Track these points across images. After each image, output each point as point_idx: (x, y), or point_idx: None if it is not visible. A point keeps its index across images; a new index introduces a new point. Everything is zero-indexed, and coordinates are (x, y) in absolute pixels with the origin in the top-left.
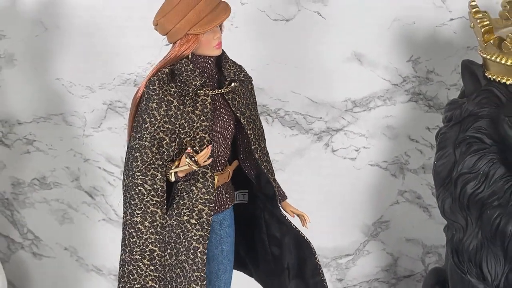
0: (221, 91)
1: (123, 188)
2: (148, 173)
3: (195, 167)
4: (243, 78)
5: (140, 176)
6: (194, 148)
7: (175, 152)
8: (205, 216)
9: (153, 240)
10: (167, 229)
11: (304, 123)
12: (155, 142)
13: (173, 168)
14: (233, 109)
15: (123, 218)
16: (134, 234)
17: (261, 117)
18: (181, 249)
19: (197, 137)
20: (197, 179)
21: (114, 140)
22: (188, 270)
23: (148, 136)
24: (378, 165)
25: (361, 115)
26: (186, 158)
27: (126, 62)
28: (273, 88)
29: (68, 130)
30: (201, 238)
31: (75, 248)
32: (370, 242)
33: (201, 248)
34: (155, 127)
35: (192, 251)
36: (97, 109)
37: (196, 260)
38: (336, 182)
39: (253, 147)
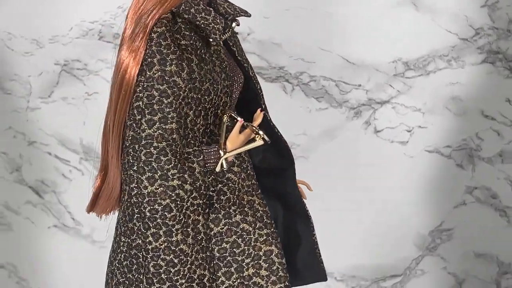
0: (226, 35)
1: (138, 203)
2: (185, 168)
3: (267, 141)
4: (243, 15)
5: (177, 175)
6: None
7: (201, 131)
8: (260, 208)
9: (200, 262)
10: (214, 240)
11: (336, 92)
12: (182, 121)
13: (231, 150)
14: (239, 58)
15: (143, 245)
16: (176, 260)
17: (277, 84)
18: (246, 261)
19: (221, 103)
20: (232, 161)
21: (71, 115)
22: (265, 286)
23: (175, 114)
24: (439, 152)
25: (416, 81)
26: (257, 131)
27: (88, 6)
28: (293, 44)
29: (5, 101)
30: (270, 238)
31: (15, 265)
32: (426, 259)
33: (276, 250)
34: (180, 100)
35: (264, 257)
36: (46, 71)
37: (274, 268)
38: (379, 175)
39: (264, 105)
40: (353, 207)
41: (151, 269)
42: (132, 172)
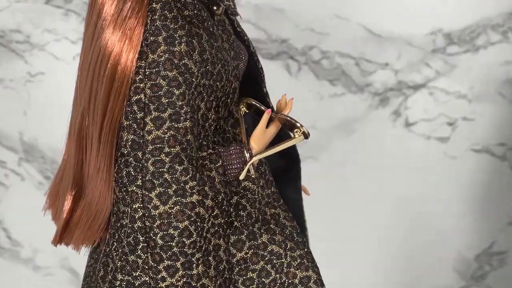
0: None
1: (144, 228)
2: (205, 178)
3: (308, 136)
4: None
5: (197, 188)
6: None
7: (212, 128)
8: (287, 223)
9: None
10: (236, 269)
11: (356, 73)
12: (195, 117)
13: (260, 151)
14: (239, 29)
15: (152, 283)
16: None
17: (279, 63)
18: None
19: (231, 90)
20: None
21: (8, 102)
22: None
23: (188, 109)
24: (489, 151)
25: (461, 59)
26: (294, 122)
27: None
28: (300, 10)
29: None
30: (305, 260)
31: None
32: None
33: (314, 276)
34: (192, 89)
35: (301, 285)
36: None
37: None
38: (410, 180)
39: (265, 90)
40: (376, 221)
41: None
42: (134, 188)
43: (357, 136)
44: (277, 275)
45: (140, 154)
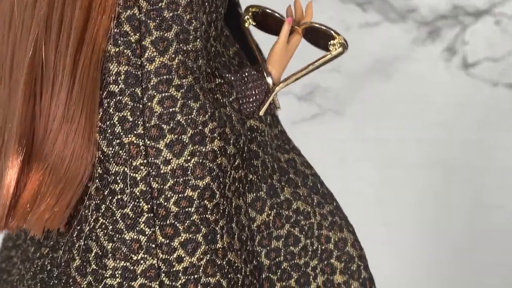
0: None
1: (154, 191)
2: (223, 116)
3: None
4: None
5: (218, 130)
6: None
7: (213, 48)
8: (306, 171)
9: (251, 279)
10: (258, 238)
11: None
12: (203, 34)
13: (288, 76)
14: None
15: None
16: None
17: None
18: (311, 264)
19: None
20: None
21: None
22: None
23: (198, 24)
24: None
25: None
26: (327, 31)
27: None
28: None
29: None
30: (337, 217)
31: None
32: None
33: (351, 237)
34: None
35: (336, 252)
36: None
37: (354, 269)
38: (469, 145)
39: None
40: (420, 195)
41: None
42: (134, 138)
43: (396, 82)
44: (308, 241)
45: (139, 91)
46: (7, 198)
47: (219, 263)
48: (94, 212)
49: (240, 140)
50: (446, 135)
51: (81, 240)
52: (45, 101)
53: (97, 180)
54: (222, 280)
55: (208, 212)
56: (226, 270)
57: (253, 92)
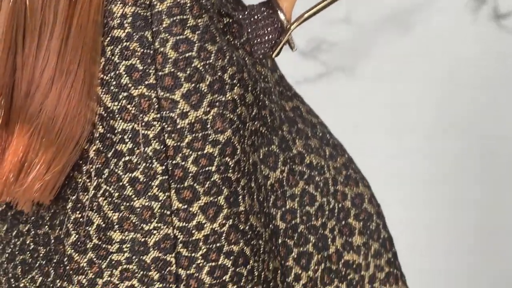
0: None
1: (169, 149)
2: (240, 60)
3: None
4: None
5: (237, 76)
6: None
7: None
8: (313, 119)
9: (269, 245)
10: (272, 198)
11: None
12: None
13: (303, 13)
14: None
15: None
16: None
17: None
18: (328, 225)
19: None
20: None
21: None
22: (368, 273)
23: None
24: None
25: None
26: None
27: None
28: None
29: None
30: (351, 170)
31: None
32: None
33: (367, 192)
34: None
35: (354, 211)
36: None
37: (373, 228)
38: (500, 116)
39: None
40: (441, 167)
41: None
42: (144, 89)
43: (415, 35)
44: (324, 199)
45: (149, 34)
46: None
47: (241, 228)
48: (95, 178)
49: (256, 87)
50: (472, 98)
51: (78, 212)
52: (29, 52)
53: (97, 141)
54: (245, 247)
55: (230, 171)
56: (249, 236)
57: (265, 32)
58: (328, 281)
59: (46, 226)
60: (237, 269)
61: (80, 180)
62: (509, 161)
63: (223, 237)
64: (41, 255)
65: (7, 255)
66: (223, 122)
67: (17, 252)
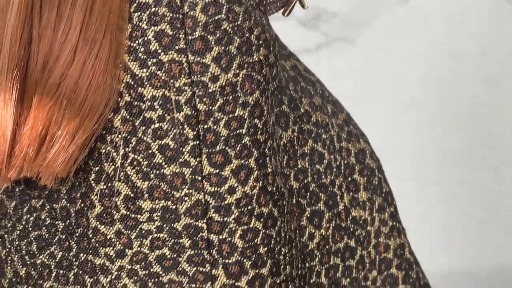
0: None
1: (200, 113)
2: (263, 21)
3: None
4: None
5: (262, 36)
6: None
7: None
8: (311, 77)
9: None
10: (286, 158)
11: None
12: None
13: None
14: None
15: None
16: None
17: None
18: (336, 182)
19: None
20: None
21: None
22: (380, 230)
23: None
24: None
25: None
26: None
27: None
28: None
29: None
30: (351, 127)
31: None
32: None
33: (369, 148)
34: None
35: (358, 166)
36: None
37: (377, 184)
38: None
39: None
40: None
41: None
42: (175, 54)
43: (416, 5)
44: (331, 156)
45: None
46: (0, 144)
47: (270, 190)
48: (121, 147)
49: (276, 45)
50: (476, 67)
51: (103, 183)
52: (47, 23)
53: (123, 110)
54: (274, 209)
55: (259, 132)
56: (276, 197)
57: None
58: (338, 239)
59: (64, 200)
60: (267, 231)
61: (103, 150)
62: None
63: (254, 200)
64: (59, 229)
65: (18, 232)
66: (251, 83)
67: (30, 228)
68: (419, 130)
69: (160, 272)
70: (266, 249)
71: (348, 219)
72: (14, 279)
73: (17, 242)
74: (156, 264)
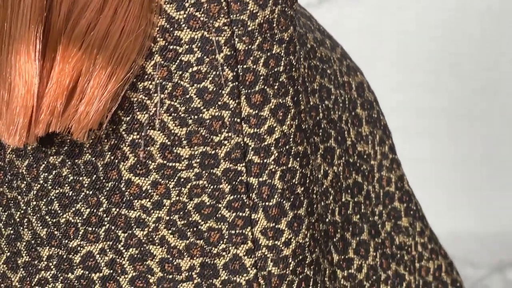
0: None
1: (238, 48)
2: None
3: None
4: None
5: None
6: None
7: None
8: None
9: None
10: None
11: None
12: None
13: None
14: None
15: None
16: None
17: None
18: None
19: None
20: None
21: None
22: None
23: None
24: None
25: None
26: None
27: None
28: None
29: None
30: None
31: None
32: None
33: (373, 98)
34: None
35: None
36: None
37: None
38: None
39: None
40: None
41: None
42: None
43: None
44: (337, 91)
45: None
46: (27, 100)
47: (303, 127)
48: (155, 94)
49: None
50: (482, 29)
51: (135, 133)
52: None
53: (156, 56)
54: (307, 146)
55: (293, 69)
56: (308, 134)
57: None
58: (348, 174)
59: (88, 154)
60: (303, 170)
61: (135, 99)
62: None
63: (291, 139)
64: (85, 185)
65: (35, 192)
66: (285, 19)
67: (50, 187)
68: (425, 85)
69: (199, 221)
70: (302, 188)
71: (354, 154)
72: (33, 241)
73: (34, 203)
74: (195, 212)
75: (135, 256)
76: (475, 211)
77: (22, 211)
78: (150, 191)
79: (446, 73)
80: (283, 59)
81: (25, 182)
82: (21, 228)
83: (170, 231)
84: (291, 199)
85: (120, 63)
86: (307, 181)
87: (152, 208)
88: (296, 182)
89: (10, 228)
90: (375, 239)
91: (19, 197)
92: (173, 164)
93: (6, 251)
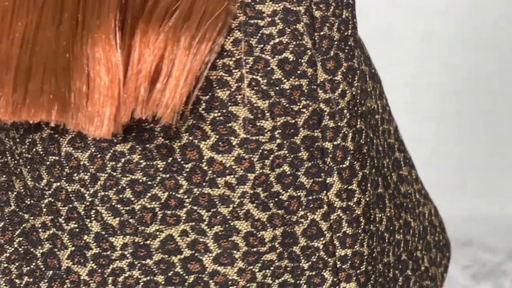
0: None
1: None
2: None
3: None
4: None
5: None
6: None
7: None
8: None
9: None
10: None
11: None
12: None
13: None
14: None
15: None
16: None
17: None
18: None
19: None
20: None
21: None
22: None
23: None
24: None
25: None
26: None
27: None
28: None
29: None
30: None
31: None
32: None
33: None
34: None
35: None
36: None
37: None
38: None
39: None
40: None
41: None
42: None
43: None
44: (378, 140)
45: None
46: (112, 89)
47: (364, 87)
48: (236, 70)
49: None
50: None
51: (216, 111)
52: None
53: (235, 31)
54: (368, 105)
55: (356, 32)
56: (366, 95)
57: None
58: (398, 216)
59: (160, 138)
60: (368, 130)
61: (214, 77)
62: None
63: (357, 100)
64: (160, 169)
65: (102, 182)
66: None
67: (120, 175)
68: (435, 61)
69: (280, 191)
70: (367, 148)
71: (400, 195)
72: (103, 232)
73: (102, 193)
74: (277, 183)
75: (220, 233)
76: (492, 196)
77: (88, 203)
78: (234, 166)
79: (459, 50)
80: (350, 22)
81: (88, 174)
82: (88, 220)
83: (254, 204)
84: (360, 159)
85: (203, 42)
86: (369, 140)
87: (236, 184)
88: (363, 142)
89: (74, 222)
90: (387, 190)
91: (82, 189)
92: (257, 137)
93: (70, 246)
